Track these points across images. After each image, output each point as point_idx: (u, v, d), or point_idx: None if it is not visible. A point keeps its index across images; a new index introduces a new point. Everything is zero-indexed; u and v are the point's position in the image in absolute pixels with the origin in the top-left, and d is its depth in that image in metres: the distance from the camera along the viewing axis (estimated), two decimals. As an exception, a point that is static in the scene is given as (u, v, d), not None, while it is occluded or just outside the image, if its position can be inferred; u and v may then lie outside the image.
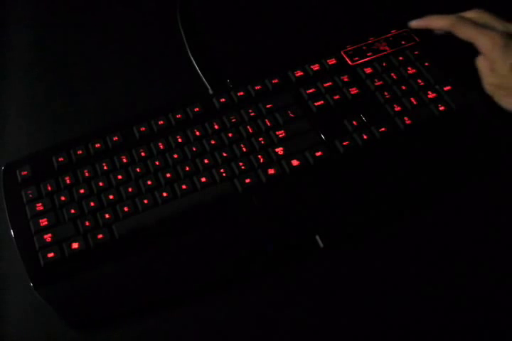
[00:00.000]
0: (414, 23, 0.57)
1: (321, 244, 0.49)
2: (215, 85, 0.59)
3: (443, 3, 0.61)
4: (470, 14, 0.54)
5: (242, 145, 0.53)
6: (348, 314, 0.48)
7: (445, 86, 0.54)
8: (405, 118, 0.53)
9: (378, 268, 0.50)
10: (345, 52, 0.58)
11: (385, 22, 0.63)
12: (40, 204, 0.52)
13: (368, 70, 0.56)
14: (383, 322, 0.47)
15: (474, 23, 0.52)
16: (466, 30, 0.52)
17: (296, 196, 0.51)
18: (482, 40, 0.51)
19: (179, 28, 0.65)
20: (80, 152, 0.55)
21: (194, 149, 0.53)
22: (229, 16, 0.67)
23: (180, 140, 0.54)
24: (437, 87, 0.54)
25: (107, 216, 0.51)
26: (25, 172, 0.54)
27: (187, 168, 0.52)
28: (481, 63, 0.53)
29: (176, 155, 0.53)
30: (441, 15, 0.55)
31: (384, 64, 0.56)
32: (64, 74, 0.65)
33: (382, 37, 0.59)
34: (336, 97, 0.55)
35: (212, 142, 0.54)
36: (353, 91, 0.55)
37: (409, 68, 0.56)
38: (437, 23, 0.55)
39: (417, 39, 0.58)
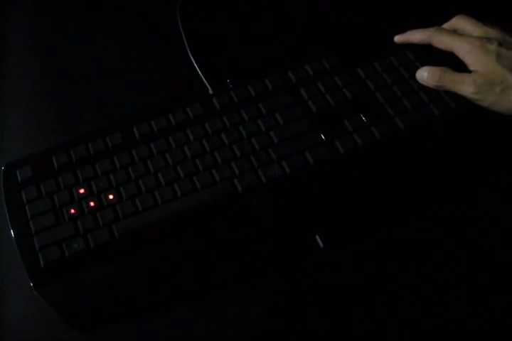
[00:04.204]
0: (397, 38, 0.58)
1: (321, 244, 0.49)
2: (215, 85, 0.59)
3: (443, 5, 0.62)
4: (452, 22, 0.55)
5: (242, 145, 0.53)
6: (348, 314, 0.48)
7: (445, 86, 0.54)
8: (405, 118, 0.53)
9: (379, 269, 0.50)
10: (345, 52, 0.58)
11: (385, 22, 0.63)
12: (40, 204, 0.52)
13: (368, 70, 0.56)
14: (383, 322, 0.47)
15: (450, 32, 0.53)
16: (443, 39, 0.53)
17: (296, 196, 0.51)
18: (459, 45, 0.52)
19: (179, 28, 0.65)
20: (80, 152, 0.55)
21: (194, 149, 0.53)
22: (229, 16, 0.67)
23: (180, 140, 0.54)
24: (437, 87, 0.54)
25: (106, 216, 0.51)
26: (25, 172, 0.54)
27: (187, 168, 0.52)
28: (454, 76, 0.52)
29: (176, 155, 0.53)
30: (421, 30, 0.56)
31: (384, 64, 0.56)
32: (64, 74, 0.65)
33: (383, 37, 0.59)
34: (336, 97, 0.55)
35: (212, 142, 0.54)
36: (353, 91, 0.55)
37: (409, 68, 0.56)
38: (416, 36, 0.56)
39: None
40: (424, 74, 0.53)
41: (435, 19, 0.57)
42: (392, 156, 0.52)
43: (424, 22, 0.58)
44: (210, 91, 0.59)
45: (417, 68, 0.55)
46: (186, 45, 0.64)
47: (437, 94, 0.54)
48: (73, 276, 0.49)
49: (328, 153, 0.52)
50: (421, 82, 0.54)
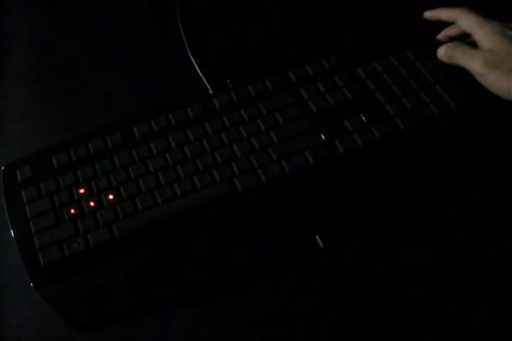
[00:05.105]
0: (427, 14, 0.59)
1: (321, 244, 0.49)
2: (215, 85, 0.59)
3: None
4: None
5: (242, 145, 0.53)
6: (348, 314, 0.48)
7: (445, 86, 0.54)
8: (405, 118, 0.53)
9: (378, 269, 0.50)
10: (345, 52, 0.58)
11: (385, 22, 0.63)
12: (40, 204, 0.52)
13: (368, 70, 0.56)
14: (383, 322, 0.47)
15: (477, 13, 0.54)
16: (469, 17, 0.54)
17: (296, 196, 0.51)
18: (481, 25, 0.52)
19: (179, 27, 0.65)
20: (80, 152, 0.55)
21: (194, 149, 0.53)
22: (229, 16, 0.67)
23: (180, 140, 0.54)
24: (437, 87, 0.54)
25: (107, 216, 0.51)
26: (25, 172, 0.54)
27: (187, 168, 0.52)
28: (468, 49, 0.53)
29: (176, 155, 0.53)
30: (449, 7, 0.56)
31: (384, 64, 0.56)
32: (64, 74, 0.65)
33: (383, 37, 0.59)
34: (336, 97, 0.55)
35: (212, 142, 0.54)
36: (353, 91, 0.55)
37: (409, 68, 0.56)
38: (445, 13, 0.57)
39: (417, 39, 0.58)
40: (442, 49, 0.55)
41: (436, 20, 0.57)
42: (392, 156, 0.52)
43: (425, 22, 0.58)
44: (210, 92, 0.59)
45: (417, 68, 0.55)
46: (186, 45, 0.64)
47: (437, 94, 0.54)
48: (73, 276, 0.49)
49: (328, 153, 0.52)
50: (438, 57, 0.55)
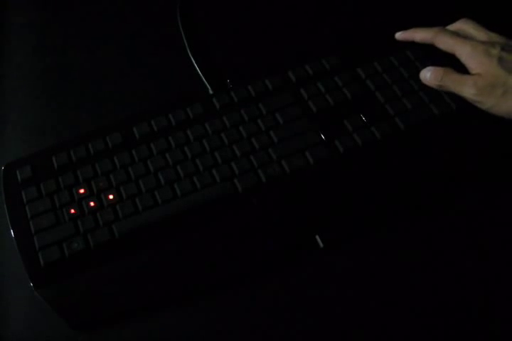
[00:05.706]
0: (399, 35, 0.58)
1: (321, 244, 0.49)
2: (215, 85, 0.59)
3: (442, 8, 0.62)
4: (456, 25, 0.55)
5: (242, 145, 0.53)
6: (348, 314, 0.48)
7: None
8: (405, 118, 0.53)
9: (378, 269, 0.50)
10: (345, 52, 0.58)
11: (385, 22, 0.63)
12: (40, 204, 0.52)
13: (368, 70, 0.56)
14: (383, 322, 0.47)
15: (454, 33, 0.53)
16: (446, 40, 0.53)
17: (296, 196, 0.51)
18: (462, 48, 0.52)
19: (179, 27, 0.65)
20: (80, 152, 0.55)
21: (194, 149, 0.53)
22: (229, 16, 0.67)
23: (180, 140, 0.54)
24: (437, 86, 0.54)
25: (107, 216, 0.51)
26: (25, 172, 0.54)
27: (187, 168, 0.52)
28: (456, 76, 0.52)
29: (176, 155, 0.53)
30: (424, 28, 0.55)
31: (384, 64, 0.56)
32: (64, 75, 0.65)
33: (383, 37, 0.59)
34: (336, 97, 0.55)
35: (213, 142, 0.54)
36: (353, 91, 0.55)
37: (409, 68, 0.56)
38: (419, 35, 0.56)
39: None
40: (427, 75, 0.53)
41: (436, 20, 0.57)
42: (392, 156, 0.52)
43: (425, 22, 0.58)
44: (210, 92, 0.59)
45: (417, 68, 0.55)
46: (186, 45, 0.64)
47: (437, 94, 0.54)
48: (73, 276, 0.49)
49: (328, 153, 0.52)
50: (424, 82, 0.54)
